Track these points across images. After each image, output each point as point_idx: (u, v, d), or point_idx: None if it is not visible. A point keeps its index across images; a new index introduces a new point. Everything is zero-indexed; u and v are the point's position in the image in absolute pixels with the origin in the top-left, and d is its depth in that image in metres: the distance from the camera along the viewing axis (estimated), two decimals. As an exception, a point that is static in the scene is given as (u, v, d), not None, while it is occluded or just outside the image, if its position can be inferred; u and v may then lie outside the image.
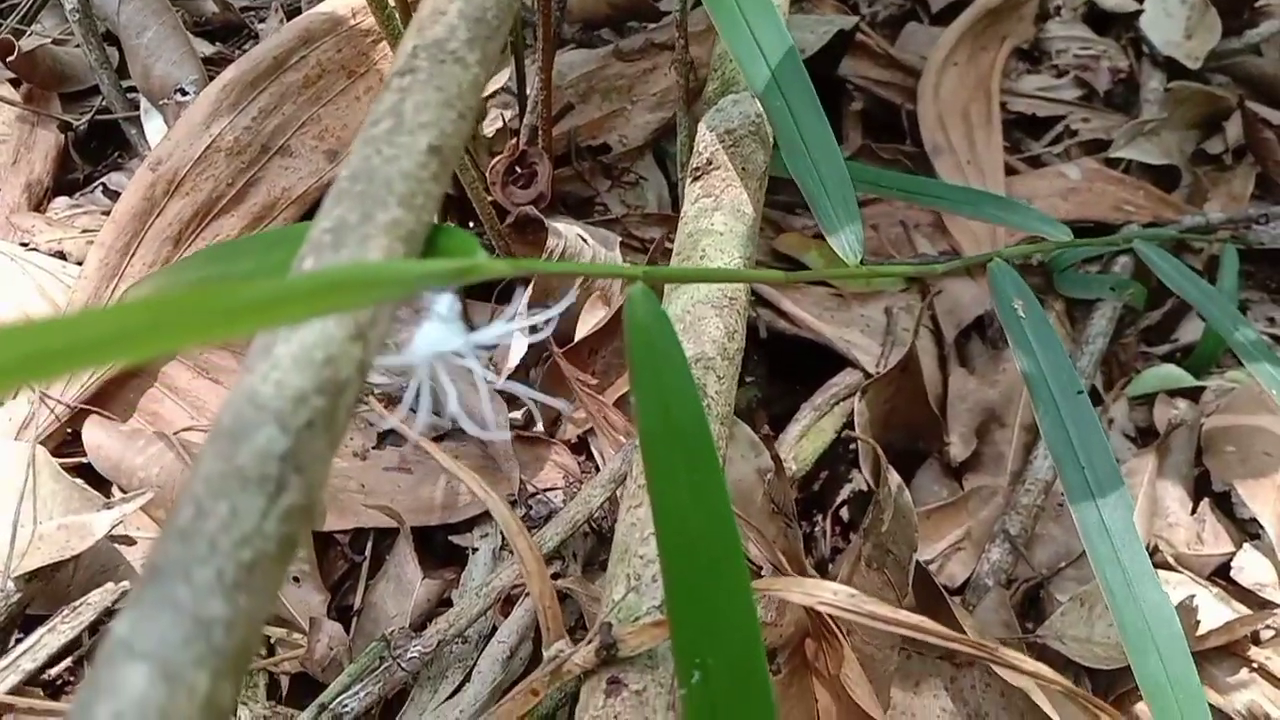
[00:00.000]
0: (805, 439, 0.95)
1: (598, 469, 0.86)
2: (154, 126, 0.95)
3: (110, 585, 0.68)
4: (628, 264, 0.95)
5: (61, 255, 0.90)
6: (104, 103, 0.99)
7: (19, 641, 0.70)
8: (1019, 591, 0.94)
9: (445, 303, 0.36)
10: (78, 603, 0.67)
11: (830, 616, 0.64)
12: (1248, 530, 0.98)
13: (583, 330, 0.86)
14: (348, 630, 0.77)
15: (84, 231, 0.92)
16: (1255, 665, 0.85)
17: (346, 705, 0.67)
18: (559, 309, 0.41)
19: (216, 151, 0.86)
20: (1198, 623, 0.85)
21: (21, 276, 0.88)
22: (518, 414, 0.88)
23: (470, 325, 0.38)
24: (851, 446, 1.00)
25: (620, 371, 0.88)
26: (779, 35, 0.67)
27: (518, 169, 0.90)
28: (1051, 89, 1.32)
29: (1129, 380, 1.09)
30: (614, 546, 0.56)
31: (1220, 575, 0.94)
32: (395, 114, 0.38)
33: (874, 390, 0.96)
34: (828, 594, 0.51)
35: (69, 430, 0.85)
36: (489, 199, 0.86)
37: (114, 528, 0.70)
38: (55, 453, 0.83)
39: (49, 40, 1.04)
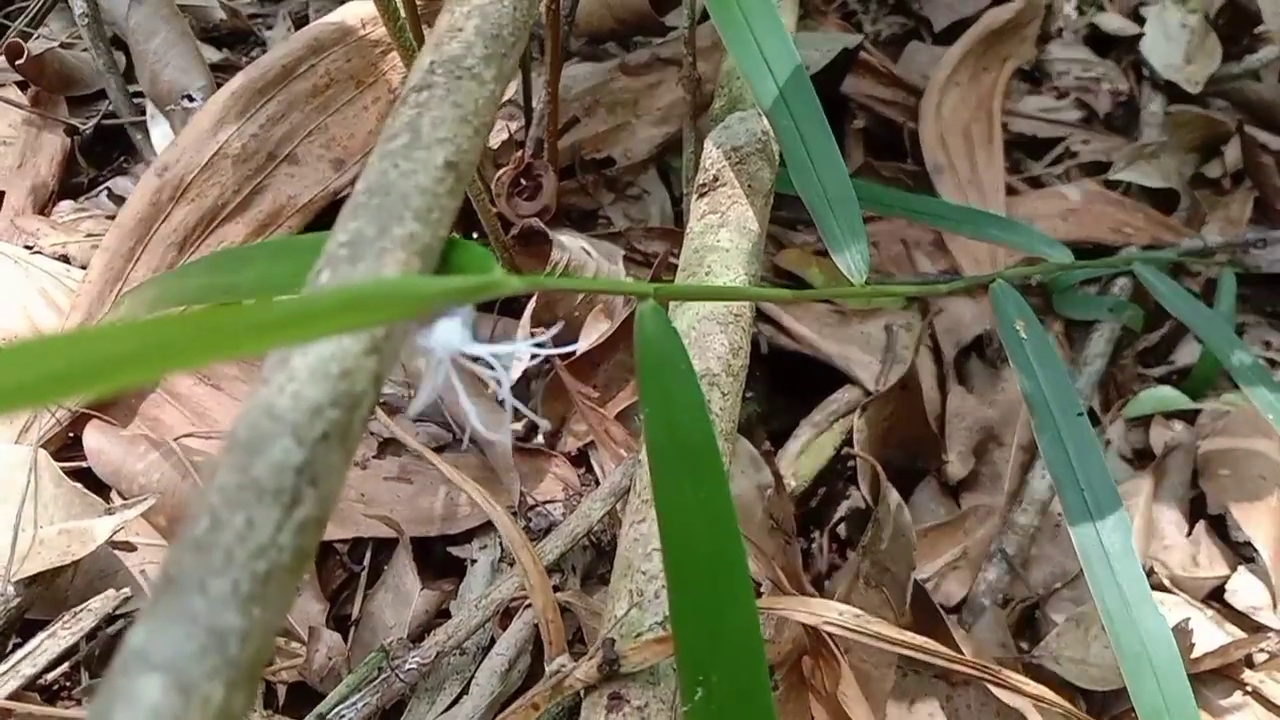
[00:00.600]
0: (804, 455, 0.96)
1: (598, 482, 0.86)
2: (160, 132, 0.95)
3: (111, 592, 0.68)
4: (633, 279, 0.95)
5: (65, 259, 0.90)
6: (110, 107, 0.99)
7: (17, 646, 0.70)
8: (1015, 611, 0.94)
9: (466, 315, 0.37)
10: (78, 609, 0.67)
11: (829, 634, 0.64)
12: (1242, 553, 0.98)
13: (585, 344, 0.86)
14: (345, 640, 0.77)
15: (88, 236, 0.92)
16: (1249, 689, 0.86)
17: (344, 715, 0.66)
18: (581, 345, 0.42)
19: (223, 158, 0.86)
20: (1192, 645, 0.86)
21: (25, 280, 0.88)
22: (518, 425, 0.88)
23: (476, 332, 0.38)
24: (850, 463, 1.00)
25: (622, 385, 0.88)
26: (787, 53, 0.67)
27: (523, 181, 0.90)
28: (1052, 110, 1.33)
29: (1126, 402, 1.10)
30: (617, 561, 0.56)
31: (1215, 598, 0.94)
32: (412, 129, 0.38)
33: (873, 408, 0.97)
34: (833, 614, 0.51)
35: (69, 435, 0.85)
36: (494, 210, 0.87)
37: (115, 534, 0.70)
38: (55, 457, 0.83)
39: (57, 44, 1.04)
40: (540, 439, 0.89)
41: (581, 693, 0.52)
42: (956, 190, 1.17)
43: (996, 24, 1.29)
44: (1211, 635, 0.89)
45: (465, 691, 0.71)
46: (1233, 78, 1.35)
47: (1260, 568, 0.95)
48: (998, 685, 0.63)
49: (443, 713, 0.70)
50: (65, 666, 0.72)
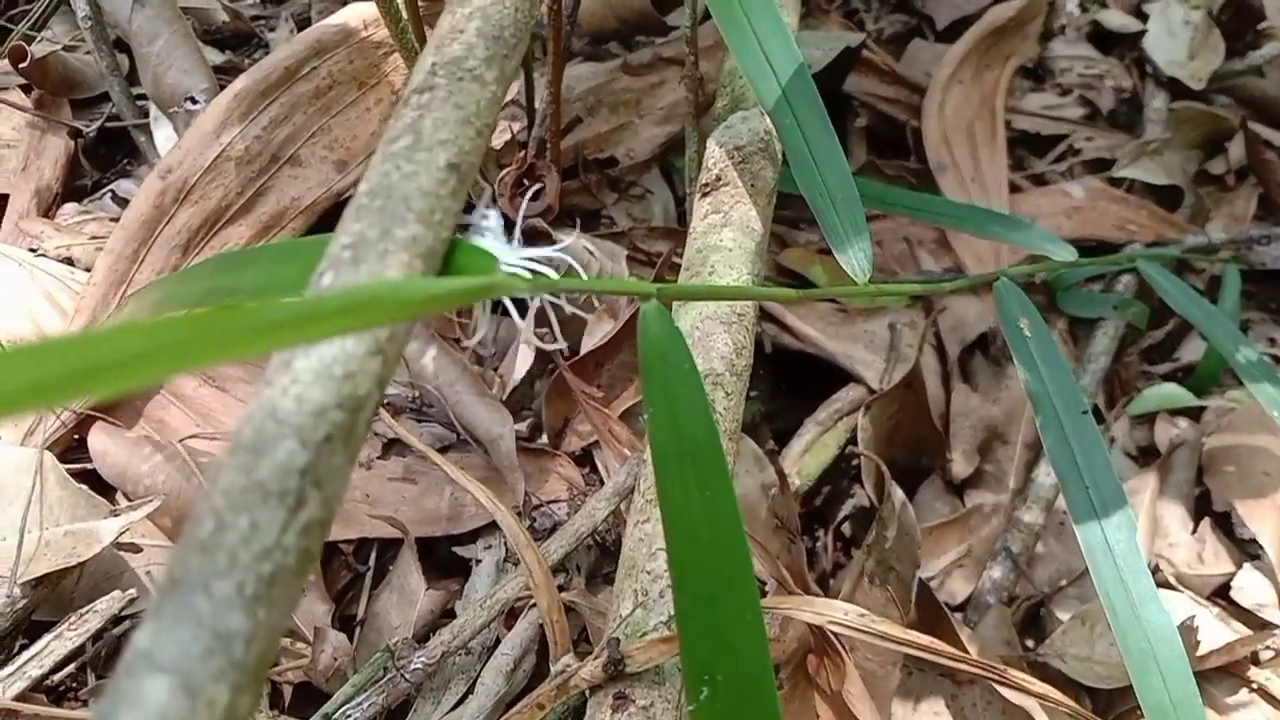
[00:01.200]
0: (809, 454, 0.96)
1: (602, 482, 0.86)
2: (163, 134, 0.95)
3: (117, 593, 0.68)
4: (636, 278, 0.95)
5: (69, 261, 0.91)
6: (114, 110, 0.99)
7: (24, 648, 0.70)
8: (1020, 609, 0.94)
9: (493, 218, 0.37)
10: (85, 610, 0.67)
11: (834, 634, 0.64)
12: (1247, 550, 0.98)
13: (589, 343, 0.87)
14: (351, 640, 0.77)
15: (92, 238, 0.92)
16: (1255, 686, 0.85)
17: (350, 715, 0.67)
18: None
19: (226, 160, 0.86)
20: (1198, 643, 0.86)
21: (30, 283, 0.88)
22: (523, 426, 0.88)
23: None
24: (854, 462, 1.00)
25: (625, 385, 0.88)
26: (789, 52, 0.67)
27: (525, 181, 0.90)
28: (1056, 107, 1.32)
29: (1130, 399, 1.10)
30: (621, 561, 0.56)
31: (1220, 595, 0.94)
32: (414, 130, 0.38)
33: (878, 407, 0.97)
34: (838, 614, 0.51)
35: (75, 436, 0.85)
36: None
37: (120, 535, 0.71)
38: (60, 458, 0.83)
39: (60, 46, 1.04)
40: (544, 439, 0.89)
41: (587, 692, 0.52)
42: (960, 188, 1.17)
43: (999, 21, 1.29)
44: (1217, 632, 0.88)
45: (470, 691, 0.71)
46: (1236, 74, 1.34)
47: (1266, 565, 0.95)
48: (1003, 684, 0.63)
49: (448, 713, 0.70)
50: (71, 668, 0.72)
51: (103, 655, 0.75)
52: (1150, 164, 1.23)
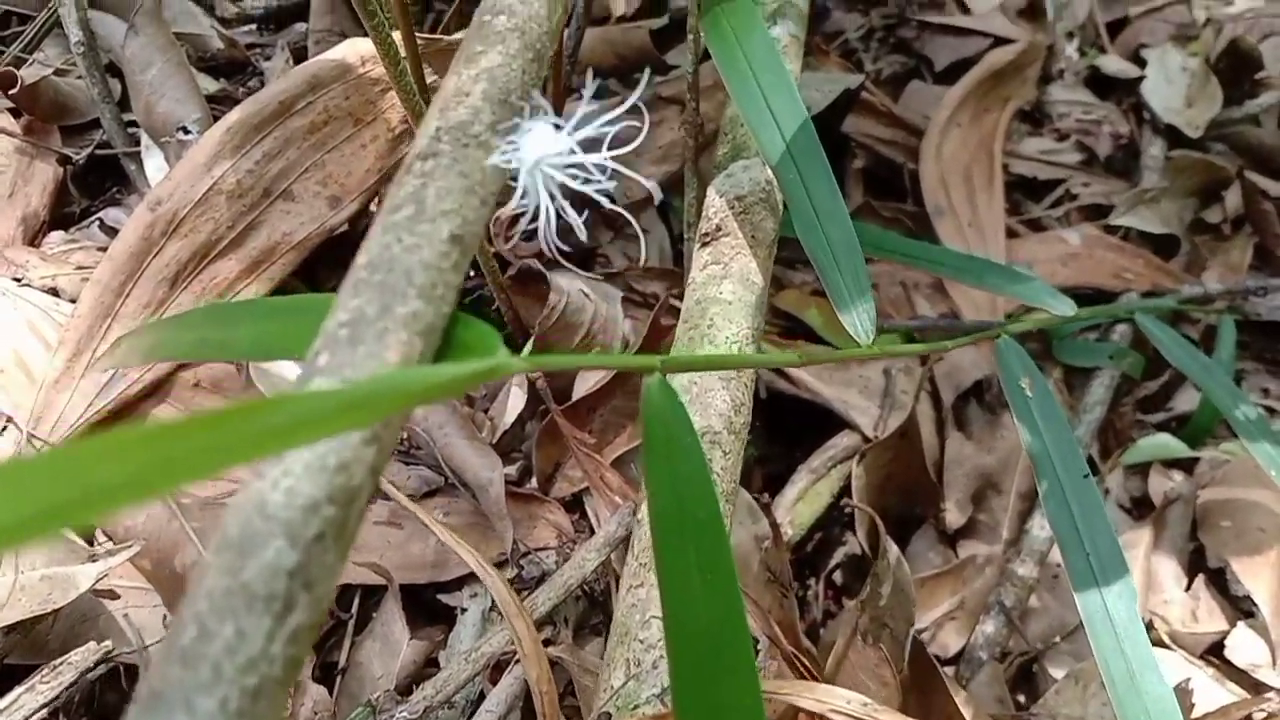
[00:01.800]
0: (802, 502, 0.94)
1: (591, 529, 0.85)
2: (154, 163, 0.94)
3: (92, 645, 0.66)
4: (631, 321, 0.94)
5: (55, 292, 0.89)
6: (104, 137, 0.98)
7: (-4, 695, 0.68)
8: (1013, 665, 0.93)
9: (544, 106, 0.38)
10: (58, 662, 0.65)
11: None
12: (1241, 607, 0.97)
13: (581, 390, 0.85)
14: (331, 690, 0.75)
15: (79, 268, 0.90)
16: (1250, 751, 0.84)
17: (329, 774, 0.65)
18: (637, 95, 0.42)
19: (218, 194, 0.84)
20: (1193, 705, 0.84)
21: (13, 313, 0.86)
22: (512, 469, 0.87)
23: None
24: (847, 509, 0.99)
25: (618, 431, 0.87)
26: (794, 106, 0.66)
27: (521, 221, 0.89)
28: (1053, 152, 1.32)
29: (1125, 449, 1.09)
30: (613, 628, 0.55)
31: (1214, 652, 0.93)
32: (417, 200, 0.37)
33: (872, 456, 0.96)
34: (841, 702, 0.49)
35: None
36: (492, 250, 0.86)
37: (98, 581, 0.69)
38: (38, 494, 0.81)
39: (51, 70, 1.03)
40: (534, 483, 0.87)
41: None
42: (957, 233, 1.17)
43: (999, 65, 1.29)
44: (1212, 694, 0.87)
45: (454, 748, 0.69)
46: (1233, 122, 1.35)
47: (1260, 623, 0.94)
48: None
49: (431, 771, 0.68)
50: (44, 713, 0.70)
51: (76, 699, 0.72)
52: (1147, 212, 1.23)
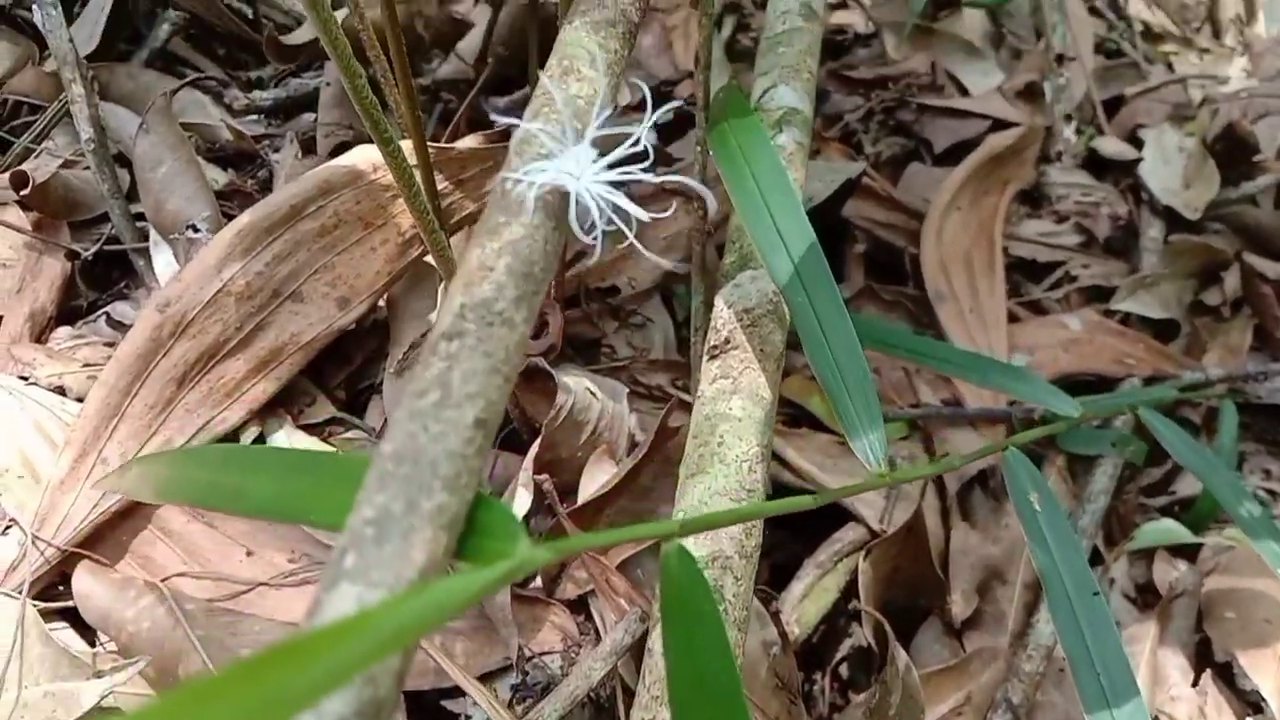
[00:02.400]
0: (808, 599, 0.94)
1: (597, 632, 0.84)
2: (163, 259, 0.94)
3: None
4: (638, 414, 0.94)
5: (61, 390, 0.89)
6: (113, 231, 0.98)
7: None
8: (1022, 764, 0.92)
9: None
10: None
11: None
12: (1249, 701, 0.97)
13: (588, 491, 0.85)
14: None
15: (85, 365, 0.91)
16: None
17: None
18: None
19: (227, 295, 0.85)
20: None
21: (20, 413, 0.86)
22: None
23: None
24: (853, 602, 0.99)
25: (625, 532, 0.86)
26: (801, 228, 0.67)
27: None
28: (1052, 234, 1.33)
29: (1129, 538, 1.09)
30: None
31: (1223, 750, 0.93)
32: (443, 384, 0.37)
33: (879, 551, 0.96)
34: None
35: (61, 571, 0.83)
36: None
37: (103, 699, 0.68)
38: (42, 595, 0.81)
39: (60, 161, 1.03)
40: (538, 584, 0.87)
41: None
42: (958, 319, 1.17)
43: (998, 148, 1.31)
44: (1222, 798, 0.87)
45: None
46: (1230, 202, 1.36)
47: (1269, 718, 0.94)
48: None
49: None
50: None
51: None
52: (1147, 297, 1.24)
